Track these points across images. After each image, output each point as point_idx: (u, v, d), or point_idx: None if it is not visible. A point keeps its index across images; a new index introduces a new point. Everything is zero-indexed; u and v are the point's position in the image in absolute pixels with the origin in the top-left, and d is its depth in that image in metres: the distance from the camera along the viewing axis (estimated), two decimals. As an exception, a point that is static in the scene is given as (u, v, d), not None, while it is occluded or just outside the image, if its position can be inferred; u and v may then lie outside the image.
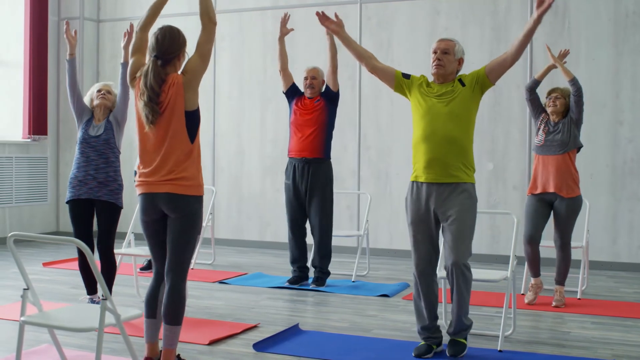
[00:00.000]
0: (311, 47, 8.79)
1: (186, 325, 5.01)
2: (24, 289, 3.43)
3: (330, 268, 7.18)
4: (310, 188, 6.46)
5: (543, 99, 6.07)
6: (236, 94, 9.22)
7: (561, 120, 5.87)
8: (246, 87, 9.16)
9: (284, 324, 5.10)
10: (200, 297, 6.06)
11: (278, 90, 8.74)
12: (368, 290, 6.40)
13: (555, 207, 5.84)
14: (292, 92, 6.61)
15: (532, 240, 5.89)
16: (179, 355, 3.88)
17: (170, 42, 3.78)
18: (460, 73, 4.52)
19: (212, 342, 4.61)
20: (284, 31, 6.62)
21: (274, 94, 8.82)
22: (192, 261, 7.53)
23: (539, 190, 5.86)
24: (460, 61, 4.48)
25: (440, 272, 4.67)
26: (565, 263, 5.85)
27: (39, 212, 9.41)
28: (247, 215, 9.15)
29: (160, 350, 3.84)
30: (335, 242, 8.20)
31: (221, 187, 9.26)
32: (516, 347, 4.62)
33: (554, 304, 5.82)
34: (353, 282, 6.76)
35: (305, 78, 6.52)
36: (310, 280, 6.61)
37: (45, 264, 7.52)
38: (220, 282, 6.74)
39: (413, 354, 4.41)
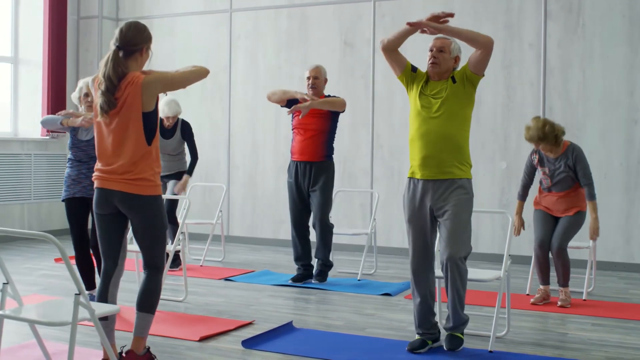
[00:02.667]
0: (325, 45, 8.79)
1: (180, 322, 5.07)
2: (4, 284, 3.48)
3: (339, 266, 7.20)
4: (312, 185, 6.48)
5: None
6: (251, 92, 9.25)
7: (561, 159, 5.79)
8: (261, 86, 9.18)
9: (279, 322, 5.09)
10: (202, 294, 6.09)
11: (293, 88, 8.76)
12: (372, 288, 6.37)
13: (562, 219, 5.87)
14: (291, 103, 6.61)
15: (543, 243, 5.83)
16: (148, 348, 3.90)
17: (134, 34, 3.73)
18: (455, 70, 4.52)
19: (203, 339, 4.62)
20: (298, 109, 6.42)
21: (288, 92, 8.81)
22: (201, 258, 7.61)
23: (545, 210, 5.94)
24: (457, 59, 4.50)
25: (437, 271, 4.66)
26: (564, 267, 5.76)
27: (57, 208, 9.51)
28: (261, 213, 9.18)
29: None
30: (345, 240, 8.24)
31: (236, 185, 9.30)
32: (509, 348, 4.57)
33: (559, 303, 5.74)
34: (359, 280, 6.74)
35: (308, 78, 6.52)
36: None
37: (57, 260, 7.62)
38: (226, 279, 6.76)
39: (407, 349, 4.45)
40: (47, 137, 9.35)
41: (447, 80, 4.41)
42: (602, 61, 7.54)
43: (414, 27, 4.30)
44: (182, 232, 5.77)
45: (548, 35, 7.76)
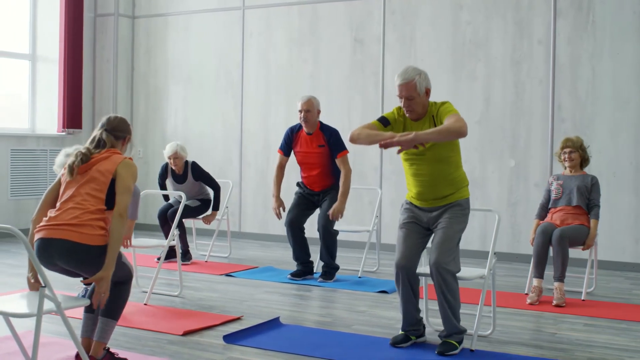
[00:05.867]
0: (334, 42, 8.79)
1: (169, 316, 5.11)
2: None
3: (343, 264, 7.20)
4: (322, 199, 6.62)
5: (557, 149, 6.24)
6: (263, 89, 9.28)
7: (578, 179, 6.00)
8: (273, 83, 9.21)
9: (268, 318, 5.10)
10: (198, 289, 6.14)
11: (304, 85, 8.82)
12: (370, 286, 6.36)
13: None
14: (288, 145, 6.72)
15: (545, 231, 5.85)
16: (108, 348, 3.93)
17: (119, 122, 3.94)
18: (432, 102, 4.42)
19: (187, 333, 4.66)
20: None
21: (299, 89, 8.83)
22: (206, 254, 7.66)
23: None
24: (427, 92, 4.40)
25: (421, 268, 4.65)
26: (563, 257, 5.74)
27: (73, 203, 9.66)
28: (272, 210, 9.17)
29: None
30: (349, 237, 8.23)
31: (247, 182, 9.35)
32: (494, 347, 4.53)
33: (554, 302, 5.69)
34: (359, 277, 6.73)
35: (300, 111, 6.50)
36: (317, 275, 6.63)
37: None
38: (227, 275, 6.80)
39: (389, 343, 4.49)
40: (63, 133, 9.49)
41: (427, 117, 4.38)
42: (612, 58, 7.42)
43: (388, 147, 4.17)
44: (177, 228, 5.82)
45: (558, 32, 7.66)
